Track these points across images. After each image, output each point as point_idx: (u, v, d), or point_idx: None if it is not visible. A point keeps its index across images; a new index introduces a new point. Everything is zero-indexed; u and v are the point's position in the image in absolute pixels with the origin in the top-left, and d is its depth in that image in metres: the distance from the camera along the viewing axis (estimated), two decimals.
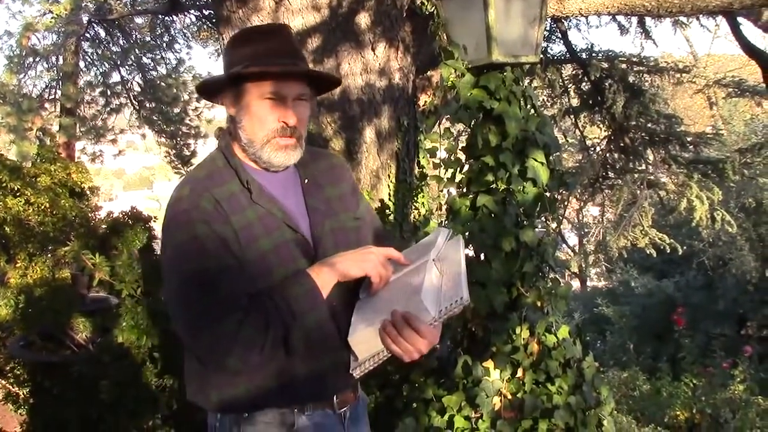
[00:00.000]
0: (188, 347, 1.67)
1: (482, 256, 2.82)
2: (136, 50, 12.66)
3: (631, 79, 7.59)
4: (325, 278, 1.63)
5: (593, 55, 7.53)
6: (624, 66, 7.54)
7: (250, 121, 1.67)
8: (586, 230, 20.13)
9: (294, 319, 1.56)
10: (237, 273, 1.58)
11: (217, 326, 1.53)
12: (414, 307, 1.57)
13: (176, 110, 13.00)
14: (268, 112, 1.66)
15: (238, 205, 1.63)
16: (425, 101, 4.63)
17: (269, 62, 1.65)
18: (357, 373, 1.65)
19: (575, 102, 8.26)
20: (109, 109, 13.06)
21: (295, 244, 1.67)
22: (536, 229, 2.88)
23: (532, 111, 2.89)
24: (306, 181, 1.77)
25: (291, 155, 1.70)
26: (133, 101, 13.13)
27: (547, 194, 2.85)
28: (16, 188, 4.61)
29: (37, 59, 11.25)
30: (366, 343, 1.61)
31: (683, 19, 7.54)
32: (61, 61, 11.56)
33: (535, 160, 2.78)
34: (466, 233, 2.81)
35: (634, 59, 7.86)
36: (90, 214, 5.01)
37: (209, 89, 1.81)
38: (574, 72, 8.14)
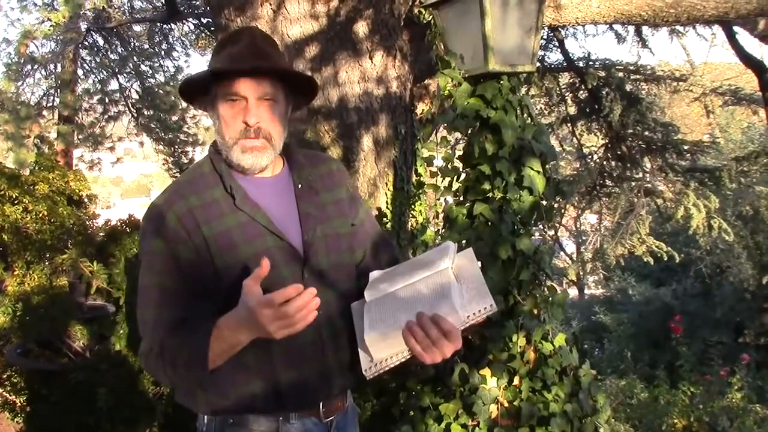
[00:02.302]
0: None
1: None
2: (135, 58, 12.68)
3: (628, 87, 7.61)
4: (225, 345, 1.55)
5: (590, 63, 7.56)
6: (621, 74, 7.57)
7: (219, 124, 1.67)
8: (583, 238, 20.15)
9: (175, 365, 1.57)
10: (173, 295, 1.61)
11: (143, 343, 1.64)
12: (443, 310, 1.55)
13: (174, 118, 13.01)
14: (230, 113, 1.66)
15: (218, 212, 1.62)
16: (422, 110, 4.65)
17: (228, 64, 1.65)
18: (371, 373, 1.62)
19: (572, 110, 8.28)
20: (107, 116, 13.06)
21: (280, 251, 1.64)
22: (533, 237, 2.88)
23: (529, 120, 2.90)
24: (300, 186, 1.75)
25: (259, 157, 1.67)
26: (131, 109, 13.14)
27: (544, 202, 2.86)
28: (14, 196, 4.61)
29: (35, 67, 11.25)
30: (384, 342, 1.59)
31: (680, 28, 7.57)
32: (59, 69, 11.56)
33: (532, 169, 2.79)
34: (463, 241, 2.82)
35: (631, 68, 7.90)
36: (88, 222, 5.01)
37: (190, 97, 1.80)
38: (571, 80, 8.17)
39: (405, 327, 1.55)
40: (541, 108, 8.68)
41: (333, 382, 1.72)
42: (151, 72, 13.07)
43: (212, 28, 9.18)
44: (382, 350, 1.60)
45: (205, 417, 1.70)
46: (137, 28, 12.69)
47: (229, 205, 1.64)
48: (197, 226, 1.60)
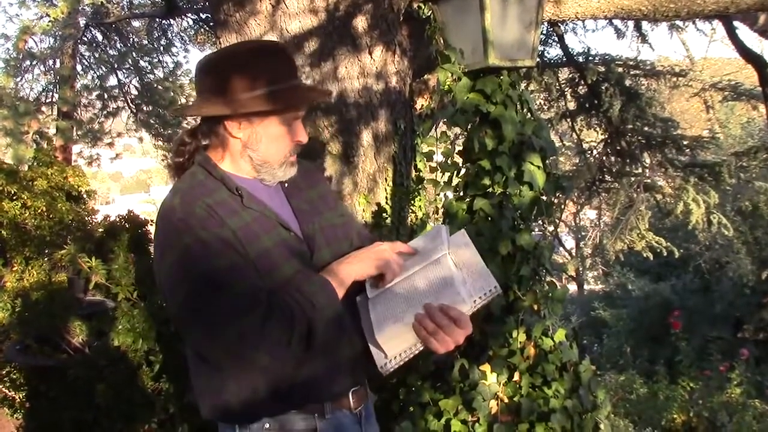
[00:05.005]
0: (209, 353, 1.61)
1: None
2: (134, 54, 12.67)
3: (627, 82, 7.60)
4: (340, 278, 1.65)
5: (590, 58, 7.55)
6: (620, 69, 7.56)
7: (269, 144, 1.68)
8: (583, 233, 20.17)
9: (315, 310, 1.56)
10: (248, 270, 1.57)
11: (242, 322, 1.51)
12: (449, 299, 1.60)
13: None
14: (285, 134, 1.69)
15: (231, 210, 1.63)
16: (422, 105, 4.64)
17: (304, 89, 1.71)
18: (387, 369, 1.66)
19: (572, 105, 8.27)
20: (106, 112, 13.05)
21: (291, 243, 1.68)
22: (533, 233, 2.88)
23: (529, 115, 2.90)
24: (286, 185, 1.80)
25: (296, 166, 1.76)
26: (130, 104, 13.13)
27: (544, 198, 2.86)
28: (12, 192, 4.61)
29: (34, 62, 11.24)
30: (396, 338, 1.62)
31: (679, 23, 7.56)
32: (58, 65, 11.55)
33: (532, 164, 2.79)
34: None
35: (631, 63, 7.88)
36: (87, 218, 5.01)
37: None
38: (570, 75, 8.15)
39: (415, 320, 1.59)
40: (540, 103, 8.66)
41: (361, 368, 1.75)
42: (150, 68, 13.07)
43: (211, 24, 9.16)
44: (395, 346, 1.64)
45: (237, 427, 1.67)
46: (136, 23, 12.69)
47: (237, 203, 1.65)
48: (222, 219, 1.60)
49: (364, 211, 3.83)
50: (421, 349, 1.64)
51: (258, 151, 1.68)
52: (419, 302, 1.61)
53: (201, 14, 10.93)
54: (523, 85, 3.01)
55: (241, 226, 1.61)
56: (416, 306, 1.61)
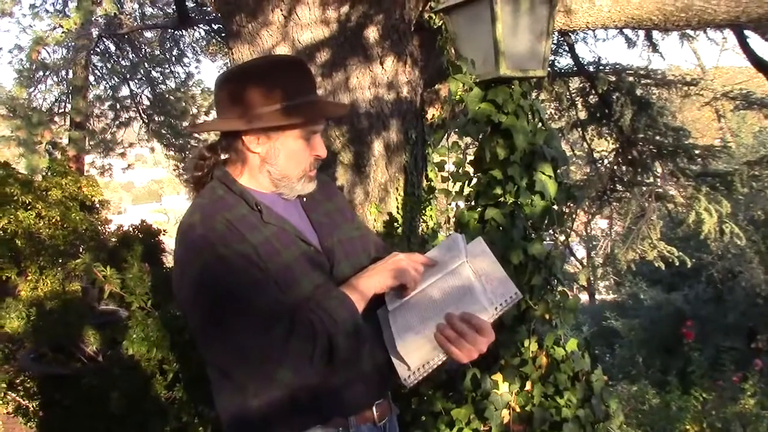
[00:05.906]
0: (232, 369, 1.61)
1: None
2: (146, 64, 12.76)
3: (638, 92, 7.58)
4: (360, 291, 1.65)
5: (600, 68, 7.54)
6: (631, 79, 7.54)
7: (287, 159, 1.69)
8: (594, 243, 20.08)
9: (336, 325, 1.56)
10: (269, 285, 1.57)
11: (264, 338, 1.51)
12: (470, 307, 1.59)
13: (185, 124, 13.07)
14: (304, 148, 1.70)
15: (251, 225, 1.63)
16: (433, 115, 4.65)
17: (322, 104, 1.72)
18: (411, 381, 1.65)
19: (583, 115, 8.25)
20: (118, 122, 13.15)
21: (311, 256, 1.69)
22: (544, 242, 2.88)
23: (540, 124, 2.90)
24: (305, 199, 1.80)
25: (315, 181, 1.77)
26: (142, 115, 13.22)
27: (555, 207, 2.86)
28: (27, 201, 4.65)
29: (47, 73, 11.33)
30: (418, 350, 1.61)
31: (690, 32, 7.54)
32: (70, 75, 11.65)
33: (543, 174, 2.79)
34: None
35: (642, 72, 7.86)
36: (100, 228, 5.04)
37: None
38: (581, 85, 8.14)
39: (436, 330, 1.59)
40: (551, 112, 8.66)
41: (384, 381, 1.75)
42: (162, 78, 13.17)
43: (223, 35, 9.22)
44: (418, 357, 1.63)
45: None
46: (148, 34, 12.79)
47: (257, 219, 1.66)
48: (242, 234, 1.60)
49: (375, 220, 3.85)
50: (444, 359, 1.62)
51: (277, 166, 1.69)
52: (440, 312, 1.60)
53: (213, 25, 11.00)
54: (534, 95, 3.02)
55: (261, 242, 1.61)
56: (437, 316, 1.60)
